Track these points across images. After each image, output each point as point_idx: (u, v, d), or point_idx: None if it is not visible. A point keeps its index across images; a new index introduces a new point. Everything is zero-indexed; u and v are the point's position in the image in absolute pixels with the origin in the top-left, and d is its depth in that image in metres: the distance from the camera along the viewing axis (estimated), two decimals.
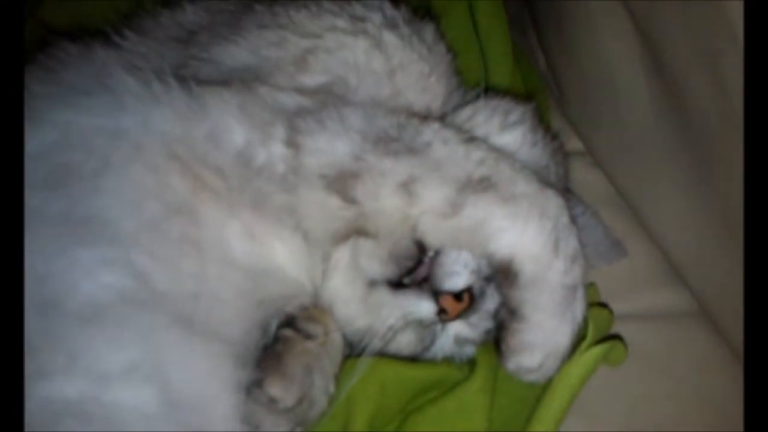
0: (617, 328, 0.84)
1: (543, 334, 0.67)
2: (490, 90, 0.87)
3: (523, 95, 0.93)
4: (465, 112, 0.78)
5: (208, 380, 0.65)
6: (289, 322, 0.74)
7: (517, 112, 0.79)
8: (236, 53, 0.74)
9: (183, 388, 0.62)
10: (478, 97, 0.82)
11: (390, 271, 0.70)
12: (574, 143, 1.04)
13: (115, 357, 0.60)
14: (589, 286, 0.87)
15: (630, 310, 0.88)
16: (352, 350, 0.79)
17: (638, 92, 0.87)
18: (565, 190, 0.86)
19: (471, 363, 0.79)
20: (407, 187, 0.65)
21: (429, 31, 0.84)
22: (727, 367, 0.83)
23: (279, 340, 0.72)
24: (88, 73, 0.71)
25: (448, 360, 0.80)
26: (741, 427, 0.74)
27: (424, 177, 0.65)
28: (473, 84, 0.95)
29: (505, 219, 0.64)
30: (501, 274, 0.66)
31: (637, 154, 0.92)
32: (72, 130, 0.67)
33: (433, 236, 0.67)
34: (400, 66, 0.76)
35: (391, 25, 0.78)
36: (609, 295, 0.87)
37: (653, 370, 0.83)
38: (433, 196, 0.65)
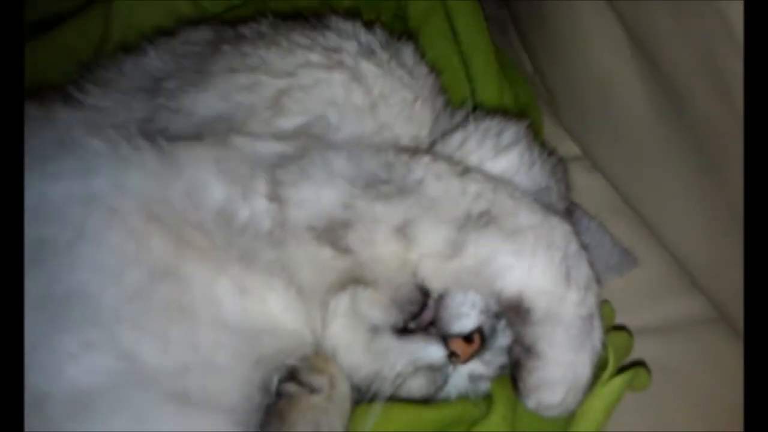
0: (636, 342, 0.80)
1: (562, 370, 0.63)
2: (478, 108, 0.83)
3: (513, 109, 0.89)
4: (455, 139, 0.74)
5: None
6: (292, 375, 0.70)
7: (510, 131, 0.75)
8: (207, 101, 0.69)
9: None
10: (466, 118, 0.78)
11: (393, 318, 0.66)
12: (569, 147, 1.01)
13: None
14: (604, 306, 0.83)
15: (646, 323, 0.85)
16: (361, 396, 0.74)
17: (634, 96, 0.84)
18: (569, 206, 0.82)
19: (487, 398, 0.75)
20: (403, 231, 0.61)
21: (408, 52, 0.80)
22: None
23: (282, 396, 0.68)
24: (52, 139, 0.66)
25: (462, 397, 0.75)
26: None
27: (419, 218, 0.61)
28: (460, 101, 0.92)
29: (510, 255, 0.61)
30: (512, 312, 0.63)
31: (638, 158, 0.89)
32: (44, 201, 0.63)
33: (435, 280, 0.63)
34: (382, 96, 0.72)
35: (368, 53, 0.74)
36: (624, 308, 0.84)
37: (676, 385, 0.80)
38: (431, 237, 0.61)
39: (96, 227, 0.63)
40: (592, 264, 0.67)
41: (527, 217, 0.63)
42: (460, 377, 0.73)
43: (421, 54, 0.82)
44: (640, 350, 0.80)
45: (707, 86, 0.70)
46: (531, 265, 0.61)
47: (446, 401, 0.75)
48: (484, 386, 0.75)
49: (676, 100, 0.77)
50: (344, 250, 0.62)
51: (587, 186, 0.96)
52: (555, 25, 0.97)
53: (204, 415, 0.61)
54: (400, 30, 0.92)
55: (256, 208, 0.62)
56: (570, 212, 0.81)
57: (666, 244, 0.88)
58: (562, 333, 0.62)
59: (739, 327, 0.81)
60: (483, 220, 0.61)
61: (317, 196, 0.61)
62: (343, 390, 0.72)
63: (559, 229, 0.63)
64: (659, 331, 0.84)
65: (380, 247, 0.61)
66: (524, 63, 1.12)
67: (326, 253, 0.62)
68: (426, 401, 0.74)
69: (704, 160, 0.76)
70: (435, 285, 0.64)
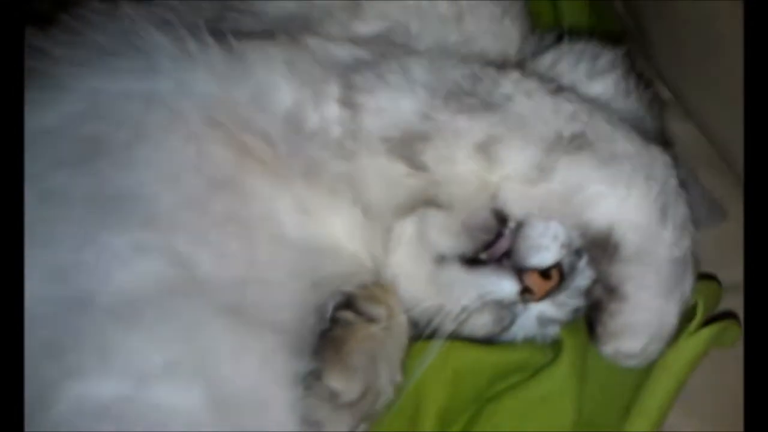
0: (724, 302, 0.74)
1: (648, 315, 0.59)
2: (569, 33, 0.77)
3: (608, 37, 0.82)
4: (546, 59, 0.70)
5: (261, 375, 0.58)
6: (348, 303, 0.66)
7: (607, 57, 0.70)
8: (286, 5, 0.65)
9: (232, 385, 0.56)
10: (558, 40, 0.72)
11: (464, 246, 0.62)
12: (660, 91, 0.93)
13: (154, 354, 0.54)
14: (711, 283, 0.77)
15: (733, 279, 0.77)
16: (419, 332, 0.70)
17: (735, 26, 0.75)
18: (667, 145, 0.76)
19: (555, 344, 0.70)
20: (486, 150, 0.57)
21: None
22: None
23: (338, 324, 0.64)
24: (116, 34, 0.64)
25: (528, 341, 0.71)
26: None
27: (505, 136, 0.57)
28: (546, 28, 0.85)
29: (603, 183, 0.57)
30: (598, 248, 0.59)
31: (735, 101, 0.80)
32: (99, 98, 0.61)
33: (517, 205, 0.59)
34: (469, 7, 0.68)
35: None
36: (710, 264, 0.77)
37: None
38: (517, 158, 0.57)
39: (156, 129, 0.61)
40: (689, 204, 0.62)
41: (625, 144, 0.58)
42: (528, 319, 0.69)
43: None
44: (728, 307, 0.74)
45: None
46: (626, 196, 0.57)
47: (511, 344, 0.71)
48: (553, 331, 0.70)
49: None
50: (419, 166, 0.58)
51: (678, 134, 0.89)
52: None
53: (257, 333, 0.58)
54: None
55: (327, 113, 0.59)
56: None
57: None
58: (652, 275, 0.58)
59: None
60: (576, 143, 0.57)
61: (394, 104, 0.58)
62: (402, 323, 0.69)
63: (660, 160, 0.59)
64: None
65: (459, 165, 0.58)
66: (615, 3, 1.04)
67: (399, 168, 0.59)
68: (489, 342, 0.70)
69: None
70: (515, 211, 0.60)
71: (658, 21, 0.92)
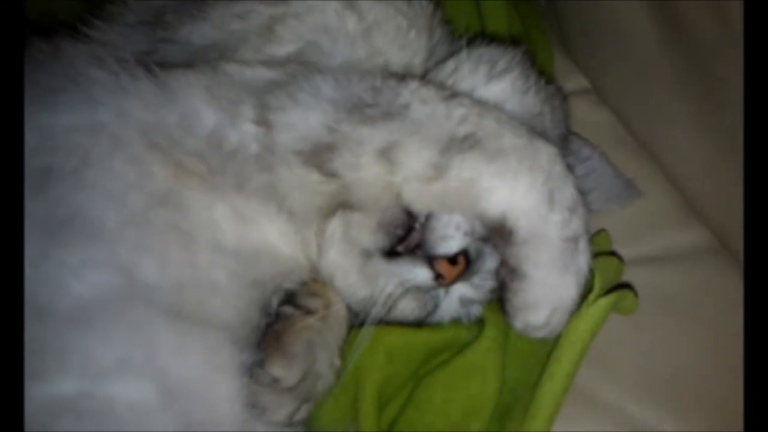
0: (634, 272, 0.82)
1: (546, 291, 0.65)
2: (482, 37, 0.83)
3: (516, 38, 0.89)
4: (449, 66, 0.75)
5: (207, 368, 0.64)
6: (289, 298, 0.73)
7: (504, 59, 0.75)
8: (202, 30, 0.71)
9: (181, 377, 0.62)
10: (468, 44, 0.78)
11: (381, 241, 0.68)
12: (579, 81, 1.01)
13: (106, 353, 0.60)
14: (600, 233, 0.84)
15: (646, 252, 0.85)
16: (359, 321, 0.77)
17: (640, 22, 0.84)
18: (567, 135, 0.82)
19: (480, 322, 0.78)
20: (387, 154, 0.62)
21: None
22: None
23: (279, 318, 0.71)
24: (59, 72, 0.69)
25: (455, 321, 0.78)
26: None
27: (403, 141, 0.62)
28: (471, 32, 0.92)
29: (493, 176, 0.62)
30: (496, 234, 0.64)
31: (643, 87, 0.88)
32: (50, 132, 0.67)
33: (419, 203, 0.65)
34: (376, 24, 0.73)
35: None
36: (624, 238, 0.85)
37: (673, 312, 0.80)
38: (414, 160, 0.62)
39: (100, 155, 0.66)
40: (582, 189, 0.68)
41: (511, 139, 0.63)
42: (451, 301, 0.76)
43: None
44: (638, 278, 0.81)
45: (707, 13, 0.69)
46: (513, 186, 0.62)
47: (439, 325, 0.78)
48: (476, 310, 0.78)
49: (678, 30, 0.76)
50: (330, 174, 0.64)
51: (595, 119, 0.96)
52: None
53: (201, 331, 0.65)
54: None
55: (244, 132, 0.64)
56: (566, 138, 0.81)
57: (669, 175, 0.87)
58: (545, 254, 0.63)
59: (740, 256, 0.81)
60: (467, 143, 0.62)
61: (303, 119, 0.63)
62: (340, 313, 0.76)
63: (543, 151, 0.64)
64: (659, 260, 0.84)
65: (365, 170, 0.63)
66: None
67: (314, 177, 0.64)
68: (419, 325, 0.77)
69: (705, 89, 0.76)
70: (419, 207, 0.65)
71: (575, 20, 0.99)
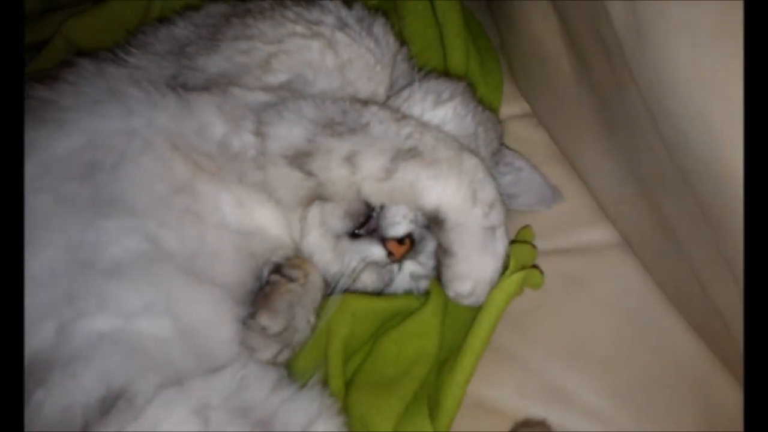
0: (551, 261, 1.01)
1: (470, 266, 0.84)
2: (435, 71, 1.04)
3: (477, 73, 1.10)
4: (404, 94, 0.94)
5: (212, 315, 0.84)
6: (277, 269, 0.94)
7: (449, 90, 0.95)
8: (216, 61, 0.91)
9: (191, 320, 0.81)
10: (425, 77, 0.99)
11: (347, 225, 0.88)
12: (522, 106, 1.20)
13: (135, 299, 0.78)
14: (526, 228, 1.04)
15: (562, 245, 1.05)
16: (331, 290, 0.98)
17: (561, 61, 1.02)
18: (500, 150, 1.03)
19: (426, 294, 0.98)
20: (350, 160, 0.81)
21: (379, 26, 1.01)
22: (644, 288, 0.99)
23: (268, 283, 0.92)
24: (103, 87, 0.89)
25: (407, 293, 0.98)
26: (652, 332, 0.92)
27: (363, 151, 0.81)
28: (435, 66, 1.13)
29: (429, 179, 0.81)
30: (432, 222, 0.84)
31: (566, 113, 1.07)
32: (95, 134, 0.85)
33: (375, 197, 0.84)
34: (349, 61, 0.93)
35: (343, 26, 0.95)
36: (545, 234, 1.03)
37: (579, 292, 0.99)
38: (370, 165, 0.81)
39: (134, 154, 0.85)
40: (505, 192, 0.89)
41: (444, 152, 0.83)
42: (404, 276, 0.96)
43: (390, 28, 1.03)
44: (554, 266, 1.00)
45: (599, 50, 0.89)
46: (444, 186, 0.81)
47: (394, 295, 0.98)
48: (424, 285, 0.97)
49: (584, 63, 0.96)
50: (309, 173, 0.83)
51: (533, 138, 1.15)
52: (511, 9, 1.16)
53: (208, 288, 0.84)
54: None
55: (245, 140, 0.84)
56: (499, 152, 1.02)
57: (586, 183, 1.07)
58: (468, 238, 0.83)
59: (637, 252, 1.01)
60: (411, 153, 0.81)
61: (289, 133, 0.82)
62: (316, 282, 0.96)
63: (468, 161, 0.83)
64: (571, 252, 1.04)
65: (334, 171, 0.81)
66: (496, 41, 1.31)
67: (296, 175, 0.83)
68: (379, 295, 0.98)
69: (608, 116, 0.95)
70: (375, 201, 0.85)
71: (514, 52, 1.20)
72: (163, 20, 1.05)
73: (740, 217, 0.66)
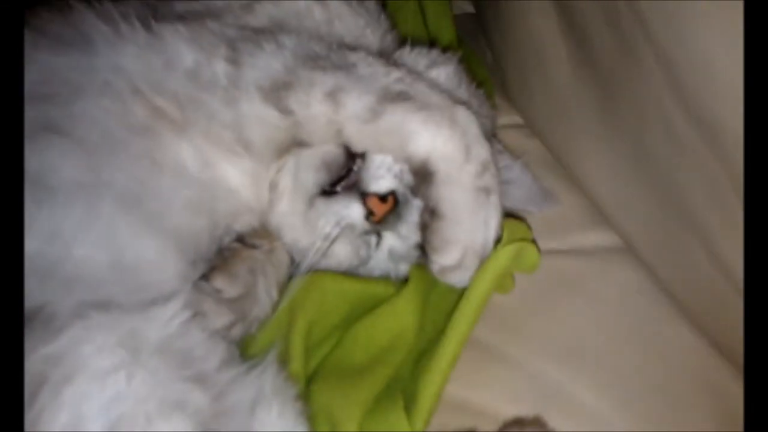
0: (545, 261, 0.90)
1: (459, 229, 0.74)
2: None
3: None
4: (395, 56, 0.89)
5: (153, 260, 0.73)
6: (239, 239, 0.83)
7: (442, 56, 0.90)
8: (194, 4, 0.86)
9: (130, 258, 0.71)
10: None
11: (323, 179, 0.78)
12: (515, 118, 1.15)
13: (65, 224, 0.68)
14: (520, 223, 0.95)
15: (559, 246, 0.95)
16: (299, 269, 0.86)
17: (560, 56, 0.99)
18: (491, 135, 0.95)
19: (405, 282, 0.87)
20: (333, 96, 0.74)
21: (372, 3, 0.97)
22: (643, 289, 0.90)
23: (228, 249, 0.81)
24: (69, 24, 0.82)
25: (384, 278, 0.87)
26: (651, 333, 0.83)
27: (348, 87, 0.74)
28: None
29: (419, 123, 0.73)
30: (419, 175, 0.75)
31: (565, 116, 1.02)
32: (50, 68, 0.77)
33: (356, 140, 0.76)
34: (338, 16, 0.88)
35: None
36: (539, 236, 0.94)
37: (575, 292, 0.89)
38: (355, 103, 0.73)
39: (91, 90, 0.77)
40: (499, 168, 0.80)
41: (437, 98, 0.76)
42: (381, 254, 0.85)
43: (383, 7, 0.99)
44: (548, 266, 0.90)
45: (613, 44, 0.84)
46: (436, 134, 0.73)
47: (369, 278, 0.87)
48: (403, 269, 0.87)
49: (584, 48, 0.91)
50: (285, 110, 0.75)
51: (527, 148, 1.09)
52: (507, 13, 1.14)
53: (156, 233, 0.73)
54: None
55: (217, 68, 0.76)
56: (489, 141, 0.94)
57: (585, 188, 1.00)
58: (460, 195, 0.74)
59: (641, 255, 0.92)
60: (401, 96, 0.74)
61: (266, 62, 0.75)
62: (281, 255, 0.85)
63: (463, 113, 0.75)
64: (569, 253, 0.94)
65: (314, 108, 0.74)
66: (487, 56, 1.28)
67: (272, 113, 0.76)
68: (353, 275, 0.86)
69: (613, 120, 0.90)
70: (356, 145, 0.76)
71: (509, 59, 1.16)
72: None
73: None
